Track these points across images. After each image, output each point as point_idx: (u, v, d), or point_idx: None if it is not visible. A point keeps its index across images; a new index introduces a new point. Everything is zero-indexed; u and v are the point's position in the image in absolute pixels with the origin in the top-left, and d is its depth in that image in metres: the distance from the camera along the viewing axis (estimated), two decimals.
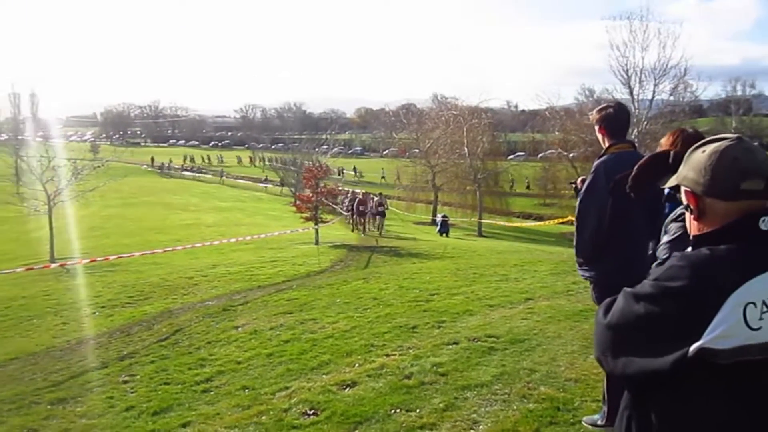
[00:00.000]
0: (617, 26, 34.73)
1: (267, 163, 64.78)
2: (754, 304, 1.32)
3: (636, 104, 34.40)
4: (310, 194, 20.64)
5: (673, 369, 1.34)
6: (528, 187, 50.16)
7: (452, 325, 6.92)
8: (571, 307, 7.43)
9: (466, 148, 40.25)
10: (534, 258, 13.85)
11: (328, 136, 53.58)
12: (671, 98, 35.94)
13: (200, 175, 68.63)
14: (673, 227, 2.63)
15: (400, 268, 12.67)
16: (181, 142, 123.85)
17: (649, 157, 2.47)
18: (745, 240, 1.41)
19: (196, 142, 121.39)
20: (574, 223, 3.91)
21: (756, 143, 1.56)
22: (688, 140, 2.83)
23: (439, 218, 32.40)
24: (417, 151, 46.79)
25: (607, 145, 3.89)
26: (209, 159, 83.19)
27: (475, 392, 4.76)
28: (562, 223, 25.20)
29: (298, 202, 21.94)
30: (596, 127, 3.96)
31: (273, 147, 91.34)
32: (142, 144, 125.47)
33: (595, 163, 3.89)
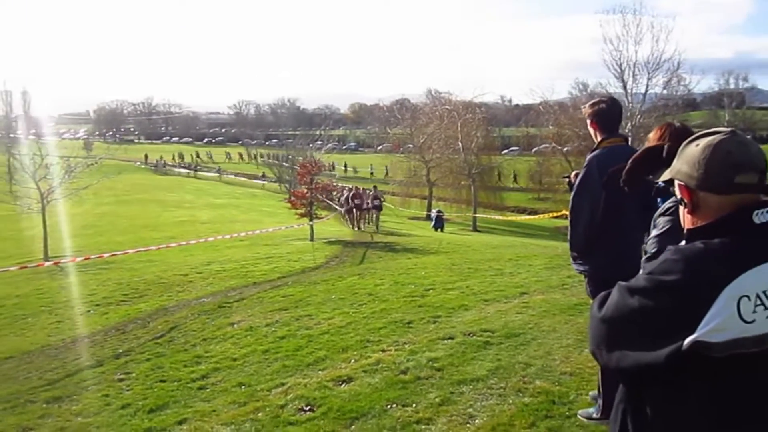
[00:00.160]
0: (610, 20, 34.76)
1: (261, 159, 64.56)
2: (747, 297, 1.33)
3: (629, 98, 34.47)
4: (305, 190, 20.60)
5: (667, 362, 1.34)
6: (515, 180, 50.15)
7: (447, 320, 6.94)
8: (566, 301, 7.45)
9: (460, 143, 40.27)
10: (529, 252, 13.87)
11: (322, 132, 53.60)
12: (664, 92, 36.05)
13: (196, 172, 68.18)
14: (662, 221, 2.64)
15: (395, 264, 12.67)
16: (174, 139, 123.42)
17: (643, 151, 2.48)
18: (739, 233, 1.41)
19: (190, 139, 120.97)
20: (568, 218, 3.93)
21: (749, 136, 1.56)
22: (675, 134, 2.84)
23: (433, 213, 32.38)
24: (411, 146, 46.79)
25: (599, 139, 3.90)
26: (198, 156, 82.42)
27: (471, 387, 4.78)
28: (557, 217, 25.28)
29: (292, 198, 21.89)
30: (588, 122, 3.98)
31: (267, 143, 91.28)
32: (136, 141, 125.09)
33: (588, 157, 3.91)
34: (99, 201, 33.84)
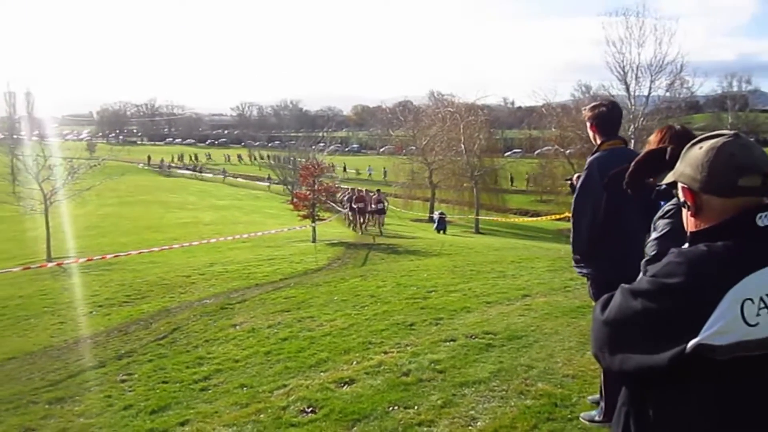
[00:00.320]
0: (613, 22, 34.72)
1: (263, 160, 64.52)
2: (751, 300, 1.33)
3: (632, 100, 34.42)
4: (307, 192, 20.61)
5: (670, 365, 1.34)
6: (512, 183, 50.10)
7: (450, 322, 6.93)
8: (568, 304, 7.44)
9: (462, 145, 40.26)
10: (531, 255, 13.86)
11: (325, 134, 53.64)
12: (667, 94, 35.99)
13: (201, 174, 68.07)
14: (661, 224, 2.63)
15: (397, 266, 12.67)
16: (177, 140, 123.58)
17: (646, 154, 2.48)
18: (743, 236, 1.41)
19: (193, 141, 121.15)
20: (571, 220, 3.94)
21: (752, 139, 1.56)
22: (676, 137, 2.84)
23: (436, 215, 32.39)
24: (414, 148, 46.77)
25: (598, 142, 3.93)
26: (196, 158, 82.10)
27: (473, 389, 4.77)
28: (559, 219, 25.23)
29: (295, 200, 21.89)
30: (588, 125, 4.00)
31: (269, 145, 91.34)
32: (139, 142, 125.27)
33: (588, 159, 3.93)
34: (102, 202, 33.91)
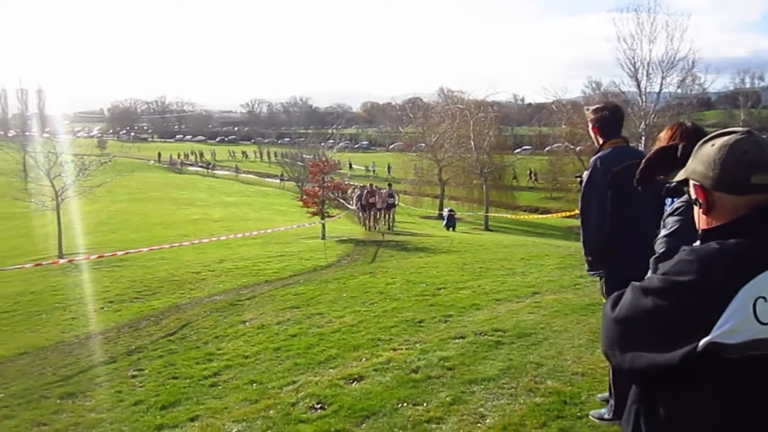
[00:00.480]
0: (624, 18, 34.38)
1: (275, 157, 64.52)
2: (764, 298, 1.32)
3: (643, 97, 34.16)
4: (317, 189, 20.64)
5: (681, 363, 1.33)
6: (513, 179, 49.88)
7: (459, 319, 6.92)
8: (578, 301, 7.42)
9: (472, 142, 40.14)
10: (541, 252, 13.82)
11: (335, 131, 53.61)
12: (679, 91, 35.69)
13: (213, 171, 67.95)
14: (671, 221, 2.62)
15: (406, 263, 12.67)
16: (187, 137, 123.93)
17: (657, 151, 2.46)
18: (755, 234, 1.40)
19: (203, 137, 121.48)
20: (579, 219, 3.96)
21: (765, 136, 1.54)
22: (687, 134, 2.82)
23: (445, 212, 32.33)
24: (423, 145, 46.71)
25: (600, 142, 3.97)
26: (201, 155, 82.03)
27: (482, 386, 4.77)
28: (569, 216, 25.13)
29: (304, 196, 21.93)
30: (590, 126, 4.06)
31: (279, 142, 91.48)
32: (149, 139, 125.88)
33: (592, 159, 3.97)
34: (113, 199, 34.11)
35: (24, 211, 24.59)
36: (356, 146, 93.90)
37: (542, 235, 31.14)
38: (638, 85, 34.37)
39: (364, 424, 4.29)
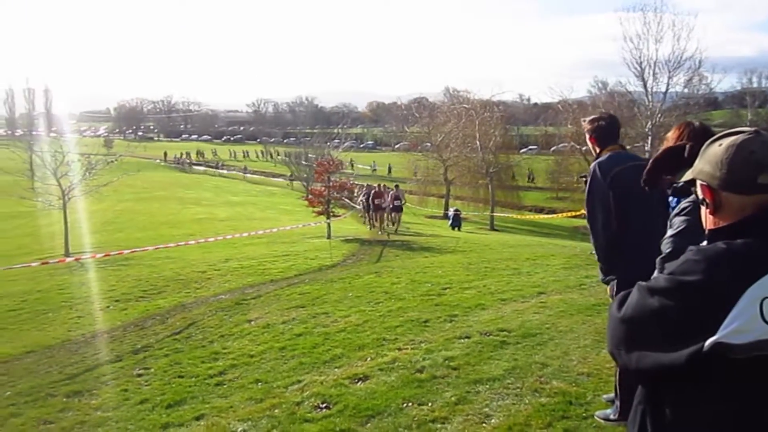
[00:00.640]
0: (631, 18, 34.19)
1: (280, 156, 64.58)
2: None
3: (650, 97, 34.00)
4: (322, 188, 20.64)
5: (687, 363, 1.33)
6: (530, 180, 49.82)
7: (464, 319, 6.92)
8: (584, 301, 7.40)
9: (478, 142, 40.08)
10: (546, 252, 13.79)
11: (340, 131, 53.70)
12: (686, 90, 35.47)
13: (221, 170, 67.96)
14: (677, 221, 2.61)
15: (412, 262, 12.66)
16: (193, 136, 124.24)
17: (664, 151, 2.45)
18: (762, 234, 1.39)
19: (209, 137, 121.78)
20: (588, 226, 4.01)
21: None
22: (694, 134, 2.81)
23: (451, 212, 32.31)
24: (429, 144, 46.67)
25: (598, 151, 4.05)
26: (203, 154, 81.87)
27: (487, 386, 4.76)
28: (575, 216, 25.07)
29: (310, 196, 21.93)
30: (587, 137, 4.15)
31: (285, 141, 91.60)
32: (155, 139, 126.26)
33: (591, 165, 4.03)
34: (119, 198, 34.23)
35: (31, 210, 24.70)
36: (362, 146, 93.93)
37: (548, 235, 31.08)
38: (645, 85, 34.21)
39: (369, 424, 4.30)
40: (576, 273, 9.61)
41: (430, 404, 4.50)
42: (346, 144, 48.49)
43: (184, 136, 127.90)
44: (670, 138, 2.94)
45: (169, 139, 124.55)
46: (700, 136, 2.59)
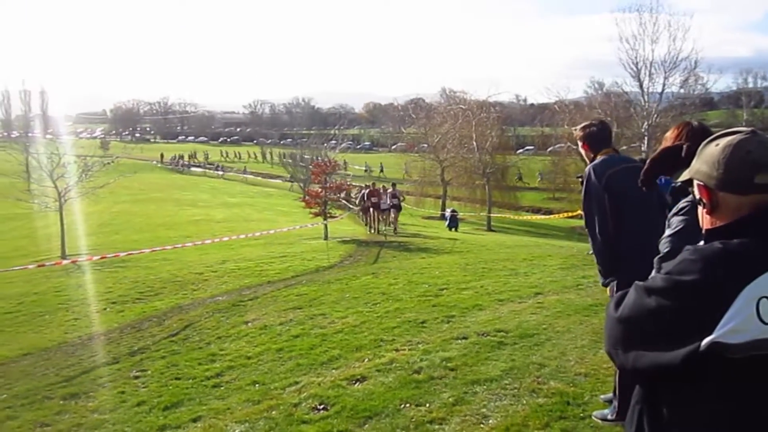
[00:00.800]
0: (627, 18, 34.24)
1: (276, 158, 64.48)
2: (767, 298, 1.31)
3: (646, 97, 34.07)
4: (319, 189, 20.62)
5: (684, 363, 1.33)
6: (520, 179, 49.85)
7: (461, 319, 6.92)
8: (581, 302, 7.41)
9: (474, 143, 40.12)
10: (543, 252, 13.81)
11: (337, 132, 53.59)
12: (681, 91, 35.53)
13: (220, 172, 67.59)
14: (675, 221, 2.61)
15: (409, 263, 12.67)
16: (190, 138, 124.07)
17: (661, 151, 2.45)
18: (758, 234, 1.39)
19: (205, 138, 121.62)
20: (586, 229, 4.04)
21: (767, 136, 1.54)
22: (693, 134, 2.81)
23: (448, 213, 32.33)
24: (426, 145, 46.69)
25: (591, 156, 4.11)
26: (194, 156, 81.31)
27: (485, 387, 4.76)
28: (572, 217, 25.10)
29: (306, 197, 21.90)
30: (580, 144, 4.22)
31: (281, 142, 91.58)
32: (152, 140, 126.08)
33: (586, 168, 4.07)
34: (115, 200, 34.15)
35: (27, 212, 24.61)
36: (358, 147, 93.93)
37: (545, 235, 31.10)
38: (641, 86, 34.28)
39: (366, 425, 4.29)
40: (573, 273, 9.62)
41: (427, 405, 4.50)
42: (342, 145, 48.33)
43: (180, 137, 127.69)
44: (669, 138, 2.94)
45: (165, 140, 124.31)
46: (698, 136, 2.59)
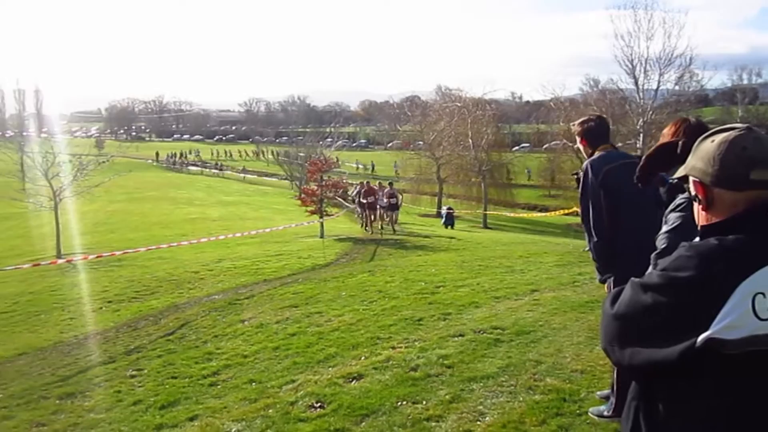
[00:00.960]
0: (622, 16, 34.43)
1: (273, 156, 64.40)
2: (762, 294, 1.32)
3: (641, 94, 34.20)
4: (315, 187, 20.59)
5: (680, 359, 1.33)
6: (508, 178, 49.95)
7: (458, 317, 6.92)
8: (577, 299, 7.42)
9: (470, 140, 40.18)
10: (539, 249, 13.82)
11: (333, 129, 53.67)
12: (676, 88, 35.70)
13: (217, 171, 67.38)
14: (672, 217, 2.61)
15: (405, 261, 12.66)
16: (185, 136, 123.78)
17: (657, 148, 2.45)
18: (754, 230, 1.40)
19: (201, 137, 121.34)
20: (582, 226, 4.04)
21: (762, 132, 1.54)
22: (691, 130, 2.81)
23: (444, 210, 32.37)
24: (421, 143, 46.72)
25: (589, 152, 4.10)
26: (186, 155, 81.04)
27: (481, 384, 4.76)
28: (568, 214, 25.15)
29: (302, 195, 21.86)
30: (578, 139, 4.21)
31: (277, 141, 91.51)
32: (147, 139, 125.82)
33: (584, 164, 4.07)
34: (111, 198, 34.07)
35: (22, 212, 24.55)
36: (354, 145, 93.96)
37: (541, 232, 31.17)
38: (636, 83, 34.41)
39: (363, 423, 4.29)
40: (569, 270, 9.63)
41: (424, 402, 4.50)
42: (338, 143, 48.50)
43: (175, 136, 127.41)
44: (667, 134, 2.94)
45: (160, 139, 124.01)
46: (696, 132, 2.59)
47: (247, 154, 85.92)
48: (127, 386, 5.73)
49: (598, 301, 6.42)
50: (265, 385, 5.25)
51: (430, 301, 7.82)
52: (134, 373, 6.12)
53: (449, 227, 28.76)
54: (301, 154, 41.75)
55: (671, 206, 2.64)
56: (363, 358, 5.72)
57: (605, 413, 3.98)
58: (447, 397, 4.56)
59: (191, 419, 4.71)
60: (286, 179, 51.84)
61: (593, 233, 3.91)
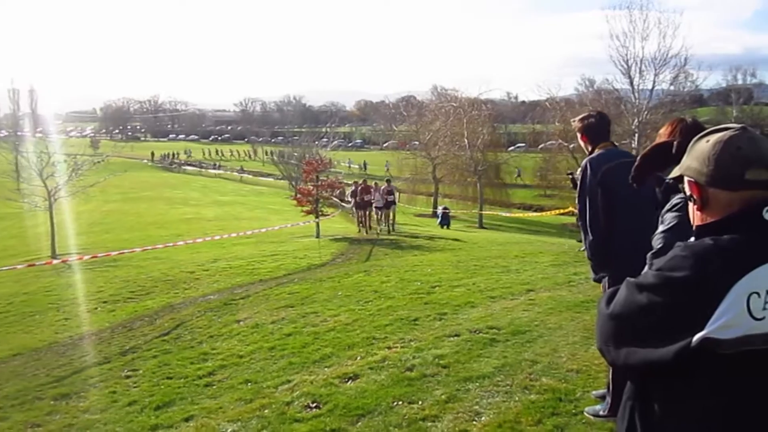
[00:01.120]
0: (617, 16, 34.48)
1: (269, 156, 64.31)
2: (757, 294, 1.32)
3: (636, 94, 34.25)
4: (311, 187, 20.55)
5: (676, 359, 1.33)
6: (519, 176, 50.15)
7: (454, 317, 6.92)
8: (573, 298, 7.43)
9: (466, 140, 40.23)
10: (535, 249, 13.84)
11: (328, 129, 53.64)
12: (671, 88, 35.75)
13: (220, 171, 67.12)
14: (668, 217, 2.62)
15: (401, 261, 12.66)
16: (181, 136, 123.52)
17: (652, 148, 2.46)
18: (749, 230, 1.40)
19: (196, 137, 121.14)
20: (578, 224, 4.03)
21: (757, 132, 1.54)
22: (687, 130, 2.81)
23: (440, 210, 32.39)
24: (417, 143, 46.75)
25: (590, 149, 4.09)
26: (176, 155, 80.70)
27: (477, 384, 4.77)
28: (563, 214, 25.19)
29: (298, 195, 21.80)
30: (579, 135, 4.18)
31: (273, 141, 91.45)
32: (142, 139, 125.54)
33: (583, 162, 4.06)
34: (106, 198, 34.00)
35: (16, 212, 24.46)
36: (350, 145, 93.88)
37: (536, 232, 31.22)
38: (631, 83, 34.46)
39: (359, 423, 4.29)
40: (564, 270, 9.64)
41: (420, 402, 4.50)
42: (334, 143, 48.43)
43: (171, 135, 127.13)
44: (663, 134, 2.95)
45: (156, 139, 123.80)
46: (692, 132, 2.59)
47: (239, 154, 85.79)
48: (122, 387, 5.72)
49: (594, 301, 6.43)
50: (260, 386, 5.25)
51: (425, 301, 7.82)
52: (129, 373, 6.10)
53: (445, 227, 28.78)
54: (296, 154, 41.70)
55: (667, 206, 2.64)
56: (359, 358, 5.71)
57: (601, 413, 3.98)
58: (443, 397, 4.56)
59: (186, 420, 4.70)
60: (283, 179, 51.77)
61: (589, 231, 3.91)
